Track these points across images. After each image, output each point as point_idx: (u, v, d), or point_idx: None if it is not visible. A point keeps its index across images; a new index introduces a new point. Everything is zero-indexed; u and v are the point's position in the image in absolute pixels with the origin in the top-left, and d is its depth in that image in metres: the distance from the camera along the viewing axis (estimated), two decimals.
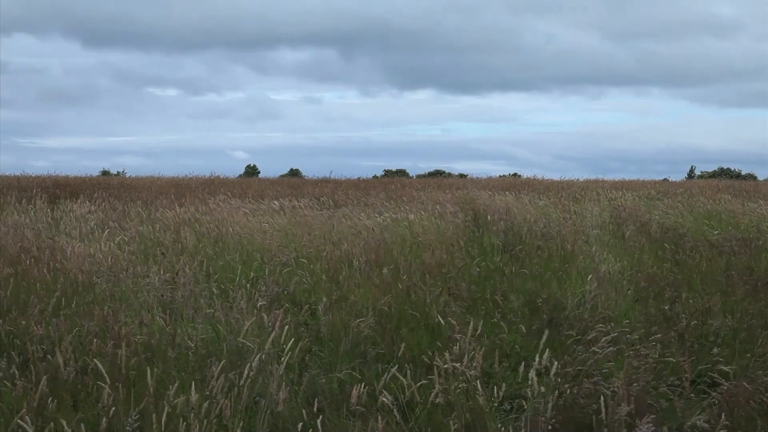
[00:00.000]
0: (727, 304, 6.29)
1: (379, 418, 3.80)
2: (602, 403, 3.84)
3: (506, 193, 17.28)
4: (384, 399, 3.95)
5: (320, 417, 3.76)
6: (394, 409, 3.91)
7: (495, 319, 5.92)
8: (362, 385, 4.05)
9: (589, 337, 5.06)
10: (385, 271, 7.05)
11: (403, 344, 5.05)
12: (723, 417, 3.81)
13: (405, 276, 6.91)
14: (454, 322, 5.16)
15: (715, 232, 11.25)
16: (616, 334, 5.16)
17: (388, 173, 41.40)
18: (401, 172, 41.90)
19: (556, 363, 4.11)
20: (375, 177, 32.97)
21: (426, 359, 4.76)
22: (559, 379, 4.15)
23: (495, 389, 4.06)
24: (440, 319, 5.51)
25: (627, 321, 5.79)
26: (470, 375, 4.12)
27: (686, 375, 4.68)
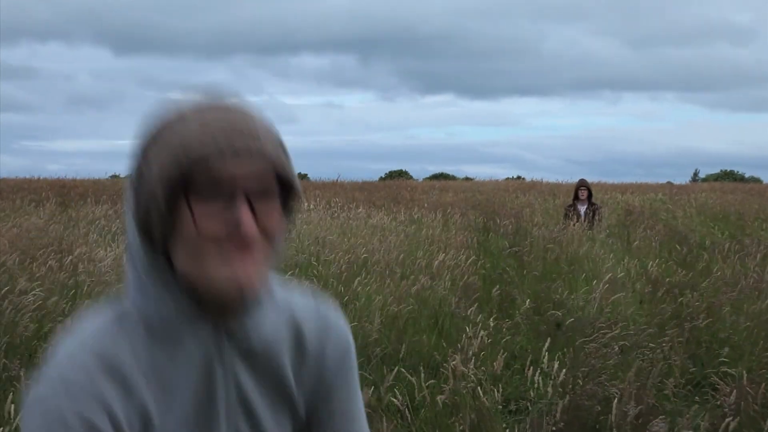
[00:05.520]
0: (734, 305, 6.32)
1: (385, 419, 3.87)
2: (612, 405, 3.90)
3: (512, 195, 17.33)
4: (394, 400, 4.01)
5: None
6: (405, 410, 3.97)
7: (503, 321, 5.99)
8: (370, 388, 4.10)
9: (595, 339, 5.12)
10: (398, 271, 7.11)
11: (410, 345, 5.12)
12: (728, 420, 3.84)
13: (413, 277, 6.97)
14: (463, 324, 5.23)
15: (723, 235, 11.31)
16: (618, 331, 5.23)
17: (390, 175, 41.42)
18: (403, 174, 41.91)
19: (559, 364, 4.18)
20: (381, 179, 32.99)
21: (438, 355, 4.83)
22: (563, 380, 4.21)
23: (501, 390, 4.12)
24: (447, 321, 5.58)
25: (633, 325, 5.85)
26: (477, 376, 4.19)
27: (691, 376, 4.75)
